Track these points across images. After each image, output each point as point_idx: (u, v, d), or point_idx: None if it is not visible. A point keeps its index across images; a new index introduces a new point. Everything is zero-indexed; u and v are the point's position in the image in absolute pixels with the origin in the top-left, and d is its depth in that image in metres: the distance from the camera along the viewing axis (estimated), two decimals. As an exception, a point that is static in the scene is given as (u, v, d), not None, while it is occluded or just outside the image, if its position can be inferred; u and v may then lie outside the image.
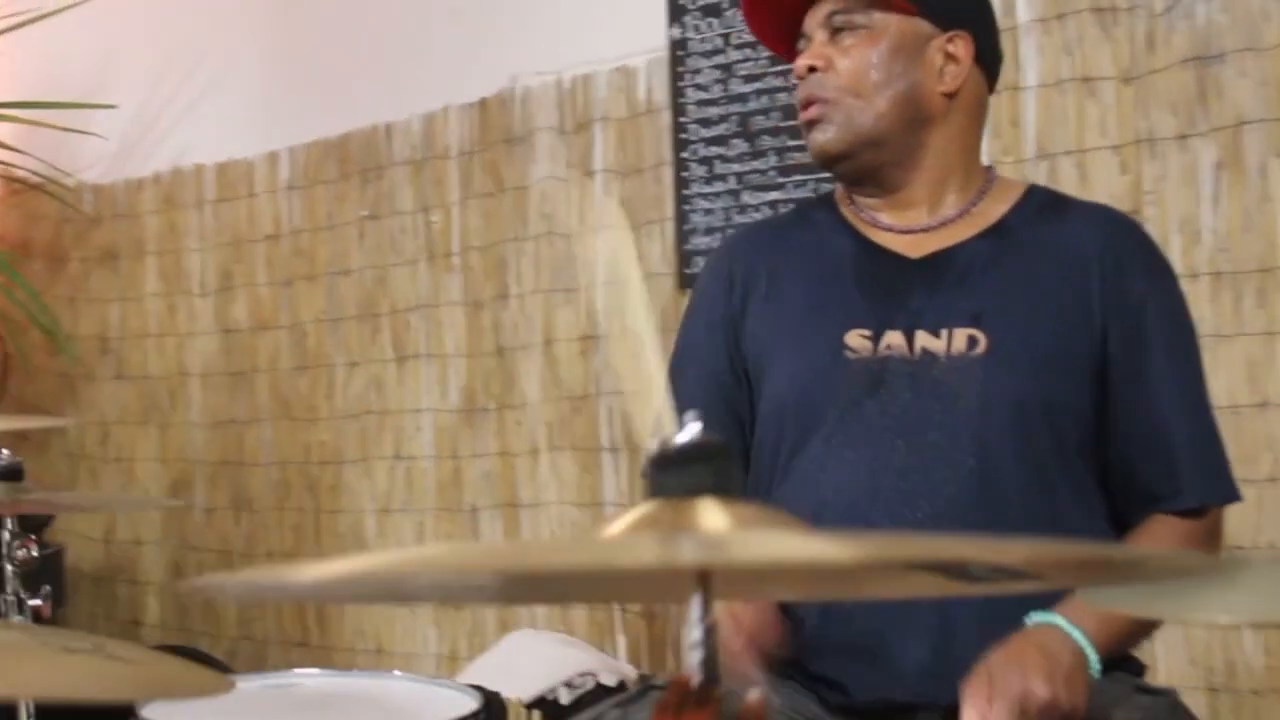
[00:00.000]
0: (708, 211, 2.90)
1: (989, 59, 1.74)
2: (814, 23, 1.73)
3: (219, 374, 3.77)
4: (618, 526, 0.89)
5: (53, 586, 3.77)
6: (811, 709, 1.64)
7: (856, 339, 1.67)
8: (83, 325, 4.04)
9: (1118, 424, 1.65)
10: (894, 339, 1.65)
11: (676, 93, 2.94)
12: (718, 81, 2.89)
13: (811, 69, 1.70)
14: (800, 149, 2.77)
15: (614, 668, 2.93)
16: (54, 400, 4.14)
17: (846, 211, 1.77)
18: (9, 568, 1.96)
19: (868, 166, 1.72)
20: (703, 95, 2.91)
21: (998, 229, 1.70)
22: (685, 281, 2.91)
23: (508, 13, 3.21)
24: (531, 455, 3.16)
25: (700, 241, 2.91)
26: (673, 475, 0.89)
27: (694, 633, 0.87)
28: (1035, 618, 1.52)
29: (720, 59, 2.89)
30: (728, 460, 0.89)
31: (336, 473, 3.51)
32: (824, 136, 1.70)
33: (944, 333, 1.65)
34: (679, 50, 2.94)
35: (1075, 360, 1.62)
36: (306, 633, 3.60)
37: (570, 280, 3.10)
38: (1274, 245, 2.30)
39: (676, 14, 2.95)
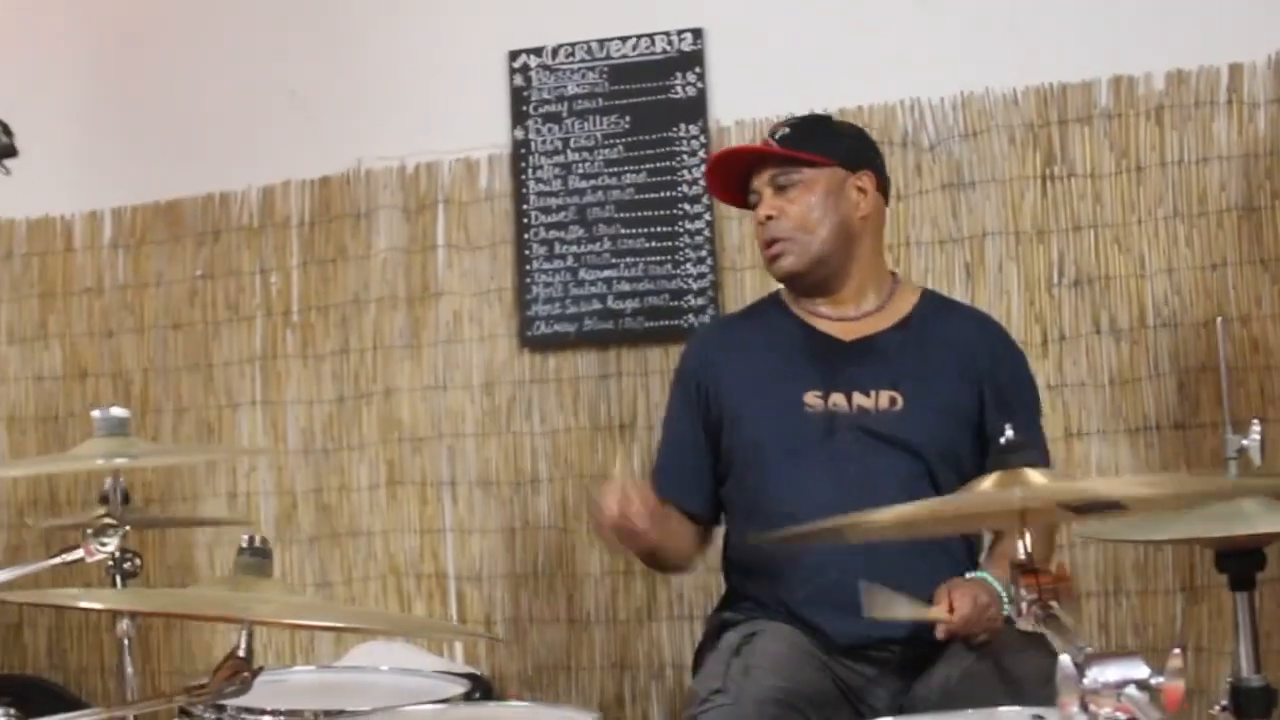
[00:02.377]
0: (548, 285, 3.45)
1: (885, 186, 2.46)
2: (761, 182, 2.42)
3: (29, 419, 3.91)
4: (984, 484, 1.61)
5: None
6: (808, 647, 2.26)
7: (812, 398, 2.37)
8: None
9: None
10: (838, 399, 2.36)
11: (519, 184, 3.47)
12: (557, 177, 3.45)
13: (769, 217, 2.35)
14: (631, 235, 3.40)
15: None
16: None
17: (794, 307, 2.45)
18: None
19: (816, 279, 2.43)
20: (544, 187, 3.46)
21: (906, 322, 2.44)
22: (525, 343, 3.45)
23: (348, 100, 3.63)
24: (372, 490, 3.57)
25: (541, 309, 3.45)
26: (1006, 457, 1.59)
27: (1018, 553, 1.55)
28: (970, 575, 2.24)
29: (560, 158, 3.46)
30: (1031, 451, 1.61)
31: (162, 509, 3.76)
32: (786, 263, 2.42)
33: (872, 393, 2.35)
34: (522, 149, 3.48)
35: (964, 415, 2.36)
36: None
37: (410, 338, 3.55)
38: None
39: (519, 118, 3.49)
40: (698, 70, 3.38)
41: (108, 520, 2.23)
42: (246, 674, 1.88)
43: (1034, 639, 2.29)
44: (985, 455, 2.33)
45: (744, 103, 3.34)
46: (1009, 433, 1.68)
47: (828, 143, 2.43)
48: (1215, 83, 3.14)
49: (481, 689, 2.43)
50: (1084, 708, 1.54)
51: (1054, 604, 1.72)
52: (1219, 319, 2.70)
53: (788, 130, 2.42)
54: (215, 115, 3.73)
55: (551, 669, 3.41)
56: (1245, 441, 2.21)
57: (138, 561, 2.34)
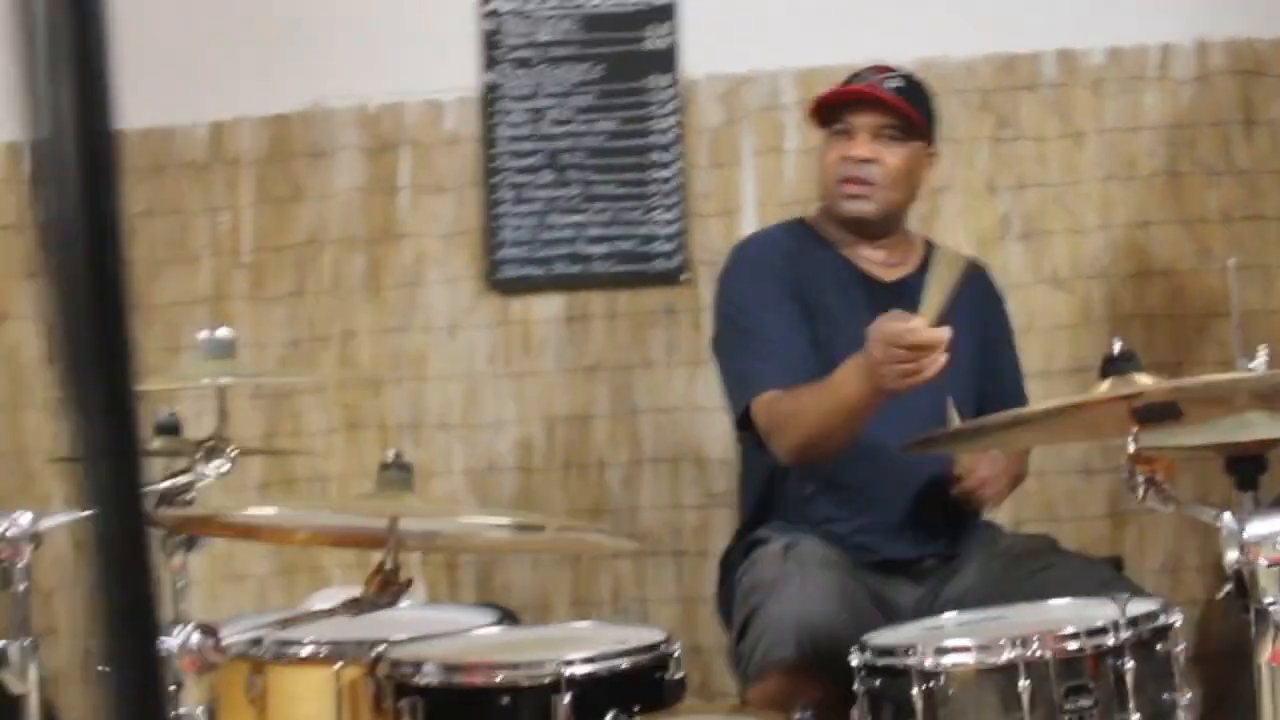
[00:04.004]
0: (517, 228, 3.47)
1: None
2: (863, 122, 2.53)
3: (-69, 363, 3.68)
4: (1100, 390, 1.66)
5: None
6: (844, 558, 2.37)
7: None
8: None
9: (995, 379, 2.58)
10: None
11: (488, 129, 3.49)
12: (528, 122, 3.49)
13: (866, 160, 2.51)
14: (602, 181, 3.46)
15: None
16: None
17: (832, 241, 2.61)
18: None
19: (876, 228, 2.59)
20: (514, 132, 3.49)
21: (925, 266, 2.58)
22: (492, 286, 3.47)
23: (306, 37, 3.57)
24: (329, 435, 3.51)
25: (509, 253, 3.47)
26: (1117, 365, 1.73)
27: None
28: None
29: (531, 104, 3.49)
30: (1138, 360, 1.76)
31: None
32: (864, 206, 2.55)
33: None
34: (491, 92, 3.50)
35: (980, 351, 2.58)
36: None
37: (370, 281, 3.52)
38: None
39: (490, 63, 3.51)
40: (670, 23, 3.48)
41: (215, 443, 2.17)
42: (397, 585, 1.89)
43: (1053, 552, 2.49)
44: (980, 390, 2.55)
45: (715, 57, 3.46)
46: (1118, 345, 1.90)
47: (928, 110, 2.60)
48: (1146, 60, 3.44)
49: (510, 617, 2.44)
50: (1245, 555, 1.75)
51: (1166, 485, 1.92)
52: (1231, 261, 2.93)
53: (901, 83, 2.56)
54: (162, 45, 3.61)
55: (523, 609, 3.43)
56: (1252, 364, 2.48)
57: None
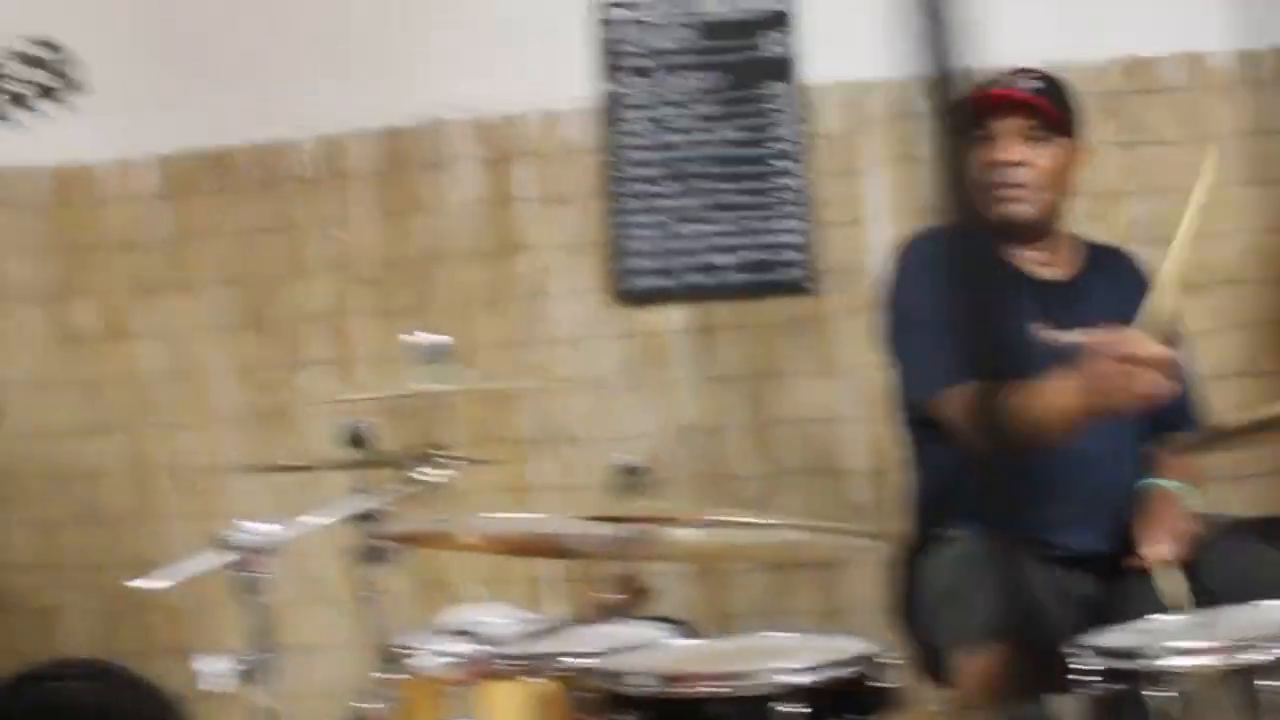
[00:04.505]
0: (643, 239, 3.45)
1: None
2: (1007, 127, 2.49)
3: (55, 383, 3.69)
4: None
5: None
6: (1035, 555, 2.37)
7: (1037, 330, 2.48)
8: None
9: None
10: (1055, 333, 2.47)
11: (609, 138, 3.46)
12: (649, 131, 3.46)
13: (1018, 163, 2.47)
14: (726, 190, 3.44)
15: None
16: None
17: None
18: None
19: (1033, 231, 2.55)
20: (635, 141, 3.46)
21: (1087, 264, 2.59)
22: (619, 297, 3.45)
23: (421, 49, 3.54)
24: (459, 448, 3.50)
25: (636, 264, 3.45)
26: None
27: None
28: (1151, 481, 2.46)
29: (651, 113, 3.46)
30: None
31: (220, 477, 3.60)
32: (1020, 209, 2.51)
33: (1079, 331, 2.46)
34: (611, 102, 3.47)
35: None
36: (184, 637, 3.63)
37: (493, 293, 3.50)
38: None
39: (608, 72, 3.48)
40: (787, 29, 3.44)
41: (433, 449, 2.15)
42: (642, 594, 1.88)
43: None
44: None
45: (833, 62, 3.42)
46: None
47: (1071, 107, 2.57)
48: (1275, 63, 3.40)
49: (688, 630, 2.44)
50: None
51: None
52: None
53: (1041, 83, 2.53)
54: (275, 60, 3.58)
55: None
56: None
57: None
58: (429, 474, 2.14)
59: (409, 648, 2.16)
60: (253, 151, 3.60)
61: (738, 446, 3.41)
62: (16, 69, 2.07)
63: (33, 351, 3.72)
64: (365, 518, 2.19)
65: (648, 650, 2.16)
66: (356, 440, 2.40)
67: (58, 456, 3.72)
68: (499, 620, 2.50)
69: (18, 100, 2.07)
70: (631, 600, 1.87)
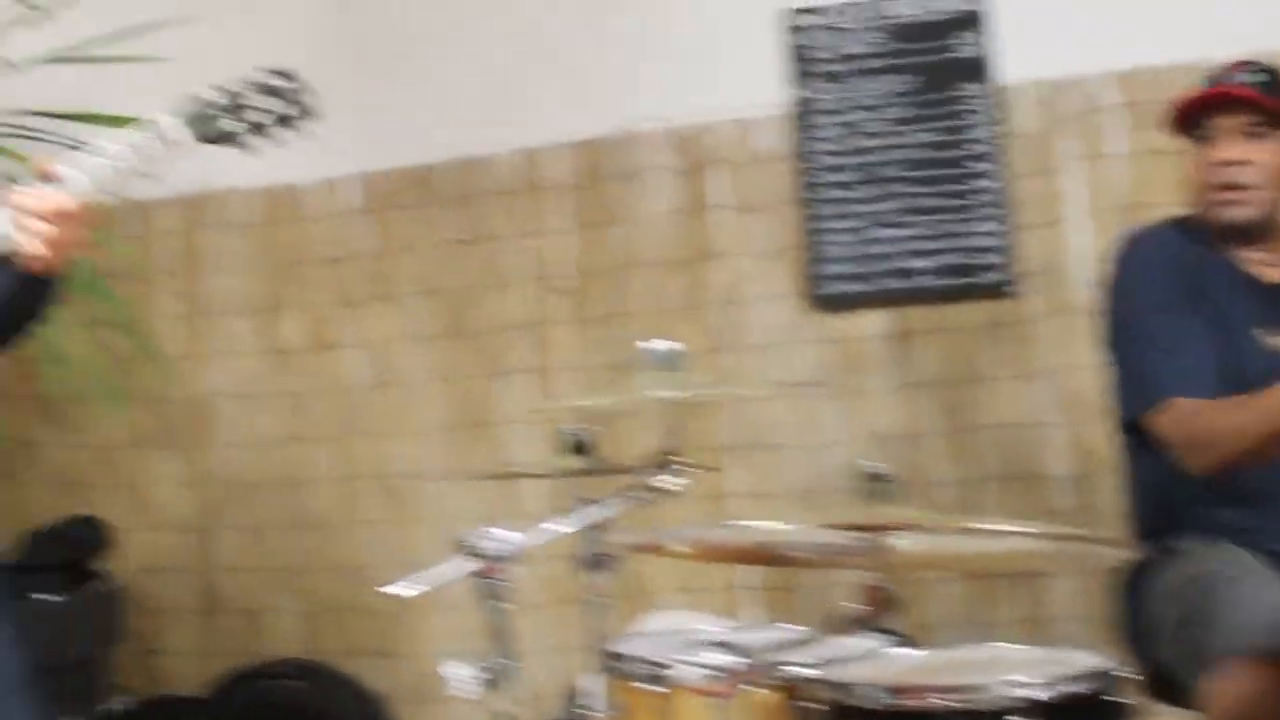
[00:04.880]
0: (838, 244, 3.46)
1: None
2: (1228, 124, 2.43)
3: (265, 394, 3.83)
4: None
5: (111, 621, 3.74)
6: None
7: (1261, 335, 2.41)
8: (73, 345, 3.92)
9: None
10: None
11: (802, 144, 3.48)
12: (841, 136, 3.46)
13: (1239, 163, 2.40)
14: (921, 194, 3.42)
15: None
16: (28, 425, 3.98)
17: (1212, 238, 2.46)
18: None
19: (1258, 230, 2.46)
20: (829, 147, 3.47)
21: None
22: (815, 303, 3.46)
23: (613, 61, 3.59)
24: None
25: (832, 269, 3.46)
26: None
27: None
28: None
29: (843, 118, 3.46)
30: None
31: (422, 485, 3.70)
32: (1243, 212, 2.43)
33: None
34: (803, 108, 3.48)
35: None
36: (389, 640, 3.74)
37: (689, 300, 3.54)
38: None
39: (799, 78, 3.49)
40: (980, 29, 3.41)
41: (670, 457, 2.19)
42: (890, 600, 1.86)
43: None
44: None
45: (1027, 61, 3.37)
46: None
47: None
48: None
49: (904, 639, 2.41)
50: None
51: None
52: None
53: (1261, 77, 2.45)
54: (473, 75, 3.66)
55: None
56: None
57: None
58: (666, 482, 2.17)
59: (639, 656, 2.19)
60: (452, 166, 3.69)
61: (936, 453, 3.39)
62: (255, 98, 2.14)
63: (243, 364, 3.87)
64: (594, 525, 2.23)
65: (872, 661, 2.15)
66: (579, 448, 2.44)
67: (266, 464, 3.87)
68: (749, 632, 2.50)
69: (257, 129, 2.14)
70: (877, 611, 1.86)
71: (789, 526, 2.09)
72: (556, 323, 3.63)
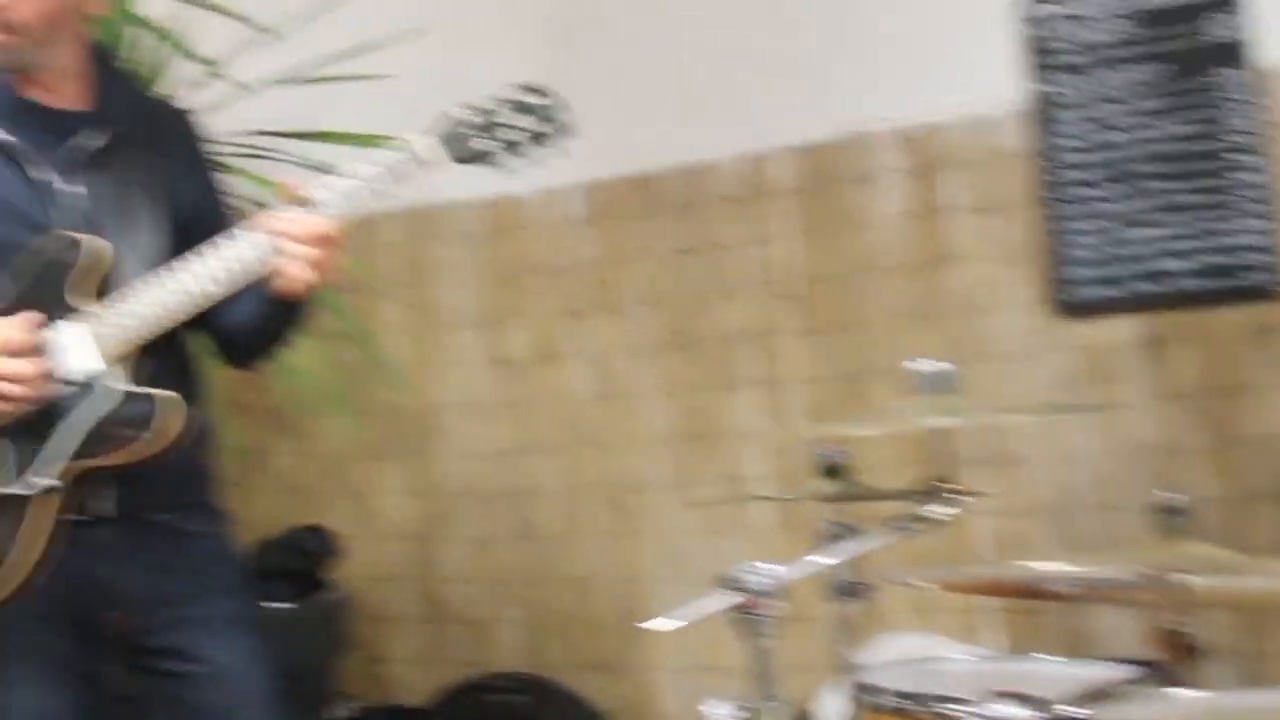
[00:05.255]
0: (1085, 246, 3.27)
1: None
2: None
3: (490, 405, 3.83)
4: None
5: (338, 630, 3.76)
6: None
7: None
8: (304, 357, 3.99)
9: None
10: None
11: (1043, 141, 3.30)
12: (1086, 131, 3.28)
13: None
14: (1176, 190, 3.21)
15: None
16: (259, 435, 4.06)
17: None
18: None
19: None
20: (1072, 143, 3.29)
21: None
22: (1061, 309, 3.28)
23: (840, 61, 3.47)
24: (879, 470, 3.41)
25: (1079, 273, 3.27)
26: None
27: None
28: None
29: (1087, 111, 3.28)
30: None
31: (648, 497, 3.65)
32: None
33: None
34: (1043, 103, 3.31)
35: None
36: (613, 655, 3.70)
37: (923, 308, 3.39)
38: None
39: (1039, 71, 3.31)
40: (1235, 9, 3.18)
41: (942, 484, 2.07)
42: (1192, 647, 1.73)
43: None
44: None
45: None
46: None
47: None
48: None
49: (1162, 676, 2.24)
50: None
51: None
52: None
53: None
54: (694, 81, 3.59)
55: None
56: None
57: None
58: (936, 512, 2.05)
59: (902, 691, 2.07)
60: (674, 173, 3.62)
61: (1195, 469, 3.17)
62: (510, 116, 2.10)
63: (468, 375, 3.88)
64: (849, 552, 2.13)
65: (1152, 700, 2.00)
66: (833, 471, 2.34)
67: (492, 476, 3.86)
68: (1013, 664, 2.35)
69: (512, 148, 2.11)
70: (1178, 659, 1.71)
71: (1078, 568, 1.94)
72: (784, 332, 3.53)
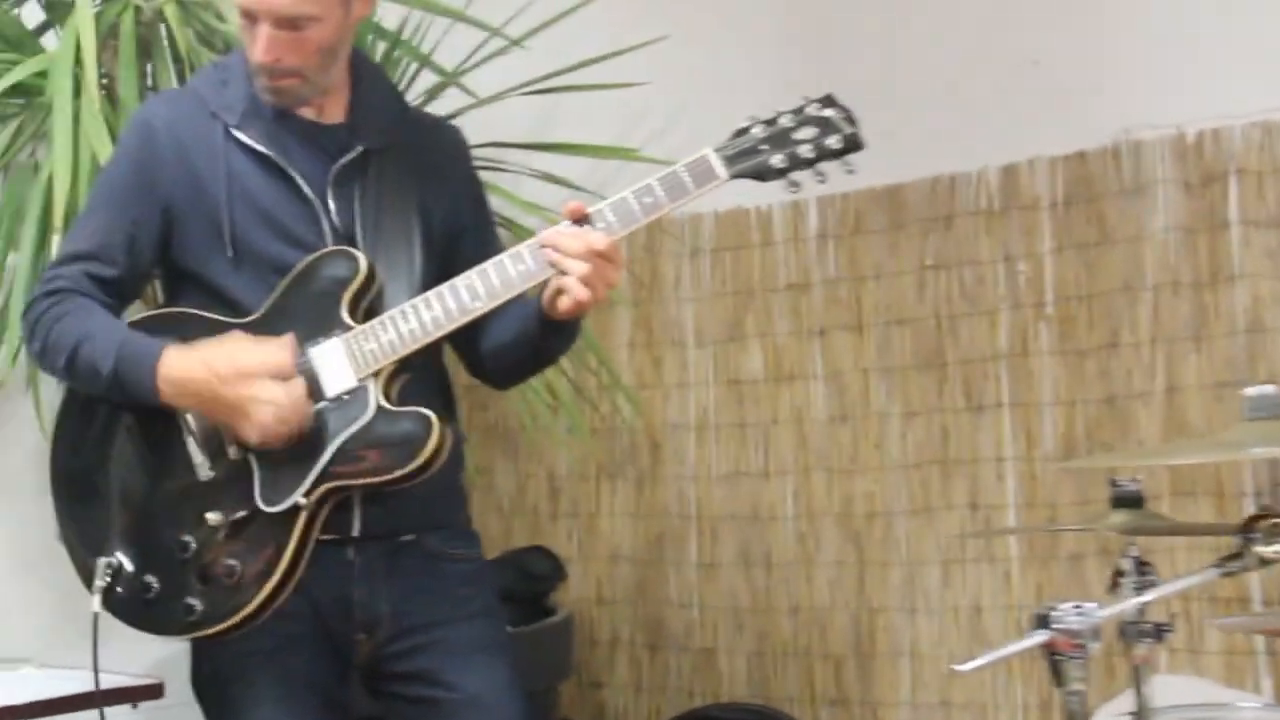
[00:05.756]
0: (1386, 263, 2.99)
1: None
2: None
3: (722, 426, 3.71)
4: None
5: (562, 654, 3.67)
6: None
7: None
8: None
9: None
10: None
11: (1340, 147, 3.04)
12: (1390, 138, 3.00)
13: None
14: None
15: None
16: (484, 454, 4.02)
17: None
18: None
19: None
20: (1374, 151, 3.01)
21: None
22: (1356, 332, 3.00)
23: (1103, 66, 3.26)
24: (1154, 501, 3.18)
25: (1378, 292, 3.00)
26: None
27: None
28: None
29: (1391, 115, 3.00)
30: None
31: (886, 524, 3.48)
32: None
33: None
34: (1342, 107, 3.04)
35: None
36: (845, 687, 3.54)
37: (1197, 329, 3.15)
38: None
39: (1338, 72, 3.05)
40: None
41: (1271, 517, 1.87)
42: None
43: None
44: None
45: None
46: None
47: None
48: None
49: None
50: None
51: None
52: None
53: None
54: (939, 91, 3.42)
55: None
56: None
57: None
58: (1270, 551, 1.85)
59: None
60: (922, 185, 3.45)
61: None
62: (799, 130, 1.99)
63: (700, 394, 3.75)
64: (1161, 591, 1.92)
65: None
66: (1130, 502, 2.14)
67: (722, 499, 3.73)
68: None
69: (801, 164, 2.00)
70: None
71: None
72: (1041, 353, 3.31)
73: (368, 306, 2.09)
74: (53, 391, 3.04)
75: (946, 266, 3.41)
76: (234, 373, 1.99)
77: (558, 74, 3.29)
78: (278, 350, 2.02)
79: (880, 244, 3.49)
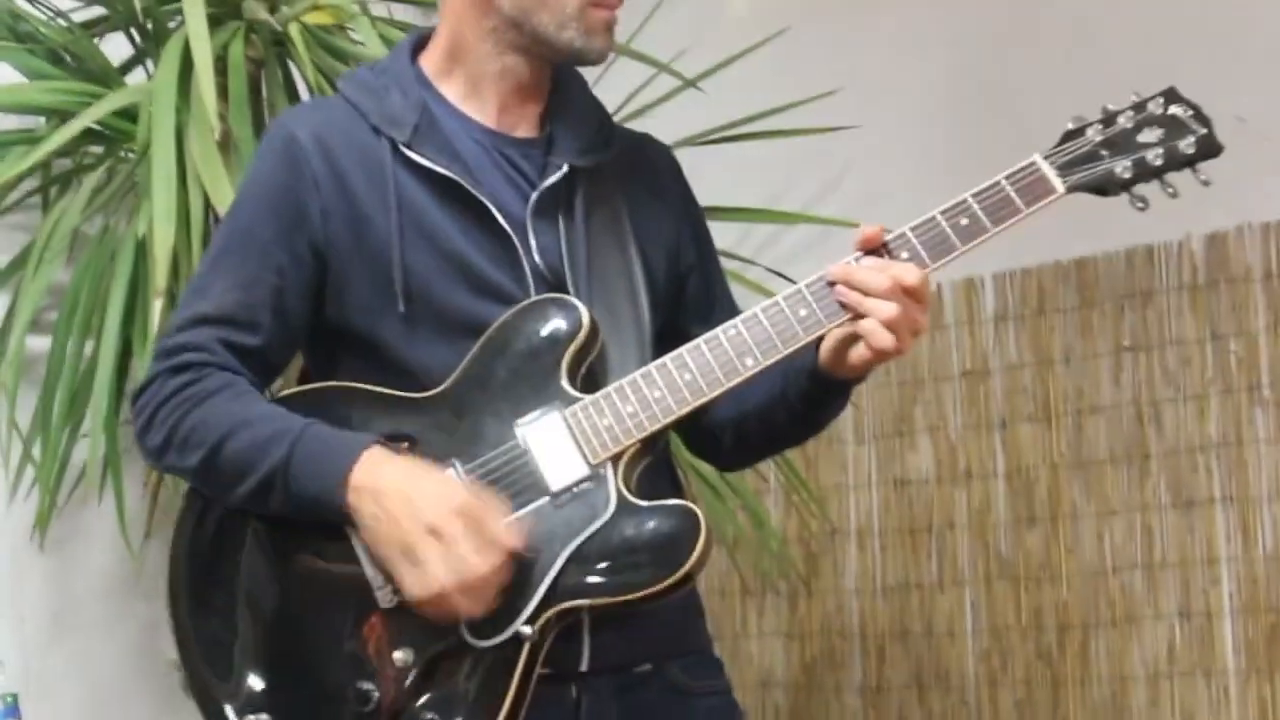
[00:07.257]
0: None
1: None
2: None
3: (887, 531, 3.35)
4: None
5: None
6: None
7: None
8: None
9: None
10: None
11: None
12: None
13: None
14: None
15: None
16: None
17: None
18: None
19: None
20: None
21: None
22: None
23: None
24: None
25: None
26: None
27: None
28: None
29: None
30: None
31: (1082, 638, 3.09)
32: None
33: None
34: None
35: None
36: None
37: None
38: None
39: None
40: None
41: None
42: None
43: None
44: None
45: None
46: None
47: None
48: None
49: None
50: None
51: None
52: None
53: None
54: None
55: None
56: None
57: None
58: None
59: None
60: (1119, 257, 3.13)
61: None
62: (1150, 134, 1.69)
63: (862, 496, 3.39)
64: None
65: None
66: None
67: (890, 615, 3.33)
68: None
69: (1150, 174, 1.69)
70: None
71: None
72: (1257, 441, 2.94)
73: (587, 371, 1.65)
74: (137, 497, 2.70)
75: (1146, 348, 3.07)
76: (440, 507, 1.53)
77: (741, 122, 3.01)
78: (497, 510, 1.57)
79: (1069, 324, 3.16)
